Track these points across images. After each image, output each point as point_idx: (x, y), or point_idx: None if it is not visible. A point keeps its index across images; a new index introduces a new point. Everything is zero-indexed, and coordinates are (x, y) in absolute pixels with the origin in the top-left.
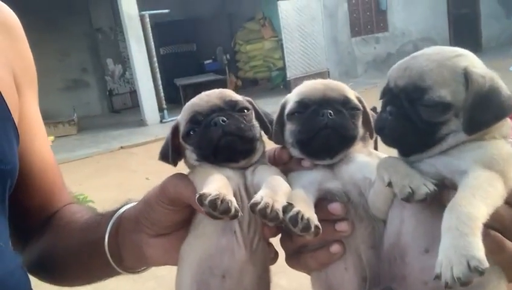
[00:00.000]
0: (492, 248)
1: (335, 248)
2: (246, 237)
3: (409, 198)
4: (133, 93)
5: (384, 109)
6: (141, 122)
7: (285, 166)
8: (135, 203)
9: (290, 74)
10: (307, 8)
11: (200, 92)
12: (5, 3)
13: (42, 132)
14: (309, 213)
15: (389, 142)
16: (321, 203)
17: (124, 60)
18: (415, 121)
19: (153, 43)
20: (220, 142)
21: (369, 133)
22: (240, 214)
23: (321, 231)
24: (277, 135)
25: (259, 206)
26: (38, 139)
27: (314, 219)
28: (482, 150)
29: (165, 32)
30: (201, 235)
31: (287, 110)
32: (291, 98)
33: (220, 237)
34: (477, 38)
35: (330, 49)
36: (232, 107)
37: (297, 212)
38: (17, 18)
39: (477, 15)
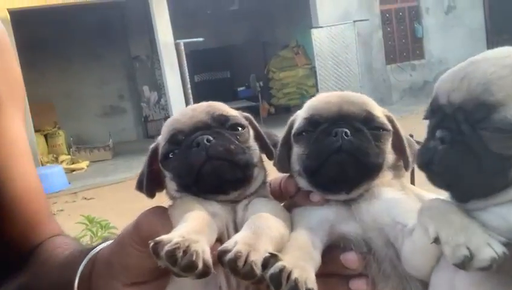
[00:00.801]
0: None
1: None
2: None
3: (465, 264)
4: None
5: (432, 135)
6: None
7: (292, 200)
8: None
9: None
10: (340, 35)
11: None
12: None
13: (27, 155)
14: (300, 271)
15: (439, 182)
16: (332, 251)
17: (159, 87)
18: (479, 152)
19: (187, 70)
20: (203, 168)
21: (404, 161)
22: (212, 271)
23: None
24: (282, 160)
25: (228, 257)
26: (22, 163)
27: (308, 280)
28: None
29: (199, 60)
30: (177, 289)
31: (294, 130)
32: (300, 115)
33: None
34: None
35: (364, 76)
36: (221, 123)
37: (281, 269)
38: (4, 30)
39: None
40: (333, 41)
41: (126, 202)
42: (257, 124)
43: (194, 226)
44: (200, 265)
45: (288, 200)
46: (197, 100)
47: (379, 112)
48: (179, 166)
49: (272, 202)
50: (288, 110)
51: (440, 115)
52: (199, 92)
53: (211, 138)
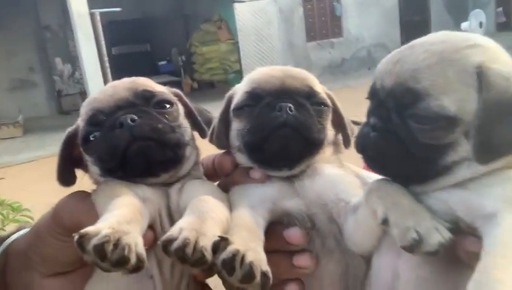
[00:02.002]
0: None
1: (291, 288)
2: (169, 283)
3: (413, 247)
4: (83, 94)
5: (367, 121)
6: None
7: (229, 178)
8: (27, 230)
9: None
10: (262, 11)
11: None
12: None
13: None
14: (254, 253)
15: (373, 166)
16: (275, 228)
17: (73, 60)
18: (407, 141)
19: (104, 42)
20: (128, 149)
21: (343, 138)
22: (145, 265)
23: (271, 280)
24: (220, 136)
25: (175, 245)
26: None
27: (262, 262)
28: None
29: (117, 32)
30: (106, 279)
31: (233, 104)
32: (240, 88)
33: (132, 283)
34: None
35: (286, 53)
36: (146, 100)
37: (235, 254)
38: None
39: (428, 22)
40: (255, 17)
41: (39, 182)
42: (188, 101)
43: (124, 215)
44: (133, 259)
45: (223, 179)
46: (114, 74)
47: (320, 87)
48: (102, 149)
49: (207, 183)
50: (212, 85)
51: (375, 100)
52: (117, 65)
53: (135, 117)
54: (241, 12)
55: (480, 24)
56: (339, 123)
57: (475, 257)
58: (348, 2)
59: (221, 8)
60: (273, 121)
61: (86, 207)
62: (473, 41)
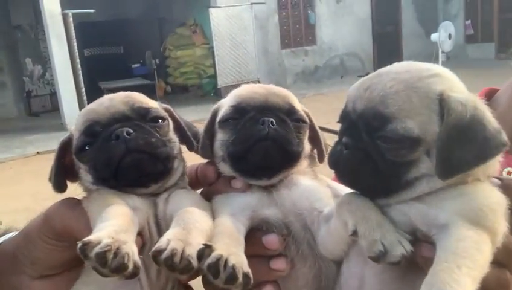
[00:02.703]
0: None
1: (268, 289)
2: (155, 285)
3: (379, 258)
4: (54, 96)
5: (339, 139)
6: (61, 127)
7: (211, 187)
8: (16, 233)
9: (221, 82)
10: (238, 17)
11: None
12: None
13: None
14: (235, 257)
15: (344, 181)
16: (254, 234)
17: (44, 60)
18: (376, 159)
19: (75, 43)
20: (122, 161)
21: (318, 153)
22: (140, 271)
23: (252, 280)
24: (205, 147)
25: (163, 255)
26: None
27: (243, 265)
28: (466, 199)
29: (89, 33)
30: (93, 282)
31: (219, 117)
32: (226, 102)
33: (119, 285)
34: (399, 55)
35: (261, 59)
36: (142, 116)
37: (218, 258)
38: None
39: (399, 33)
40: (231, 22)
41: (6, 185)
42: (177, 115)
43: (120, 225)
44: (131, 267)
45: (206, 188)
46: (86, 75)
47: (299, 105)
48: (97, 159)
49: (192, 193)
50: (186, 89)
51: (347, 121)
52: (89, 67)
53: (131, 131)
54: (217, 18)
55: (450, 36)
56: (315, 139)
57: (430, 262)
58: (322, 11)
59: (196, 12)
60: (256, 133)
61: (76, 214)
62: (434, 71)
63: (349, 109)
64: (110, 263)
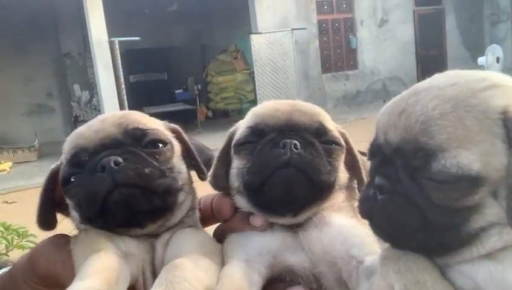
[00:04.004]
0: None
1: None
2: None
3: None
4: None
5: (371, 181)
6: None
7: (226, 224)
8: (7, 269)
9: None
10: (278, 42)
11: (169, 122)
12: None
13: None
14: None
15: (382, 237)
16: (276, 286)
17: (91, 86)
18: (422, 205)
19: (121, 70)
20: (109, 197)
21: (358, 183)
22: None
23: None
24: (218, 177)
25: None
26: None
27: None
28: None
29: (135, 60)
30: None
31: (234, 140)
32: (243, 123)
33: None
34: None
35: (301, 84)
36: (136, 139)
37: None
38: None
39: (444, 57)
40: (271, 48)
41: None
42: (187, 138)
43: (100, 281)
44: None
45: (221, 224)
46: (131, 101)
47: (332, 125)
48: (81, 194)
49: (198, 233)
50: (227, 114)
51: (379, 157)
52: (134, 93)
53: (120, 160)
54: (258, 44)
55: (498, 59)
56: (353, 165)
57: None
58: (363, 35)
59: (238, 38)
60: (275, 159)
61: (62, 257)
62: (489, 81)
63: (381, 141)
64: None
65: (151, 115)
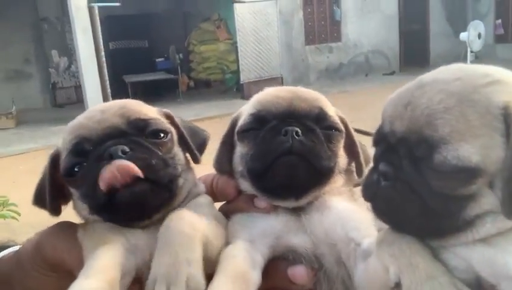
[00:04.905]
0: None
1: None
2: None
3: None
4: (79, 88)
5: (375, 167)
6: None
7: (231, 205)
8: (12, 251)
9: (244, 78)
10: (262, 12)
11: (149, 91)
12: None
13: None
14: None
15: (384, 220)
16: (278, 264)
17: (70, 53)
18: (422, 191)
19: (101, 36)
20: (118, 192)
21: (356, 166)
22: None
23: None
24: (221, 161)
25: None
26: None
27: None
28: None
29: (115, 27)
30: None
31: (238, 127)
32: (246, 110)
33: None
34: (426, 54)
35: (284, 55)
36: (140, 129)
37: None
38: None
39: (427, 32)
40: (255, 18)
41: (30, 174)
42: (180, 123)
43: (103, 285)
44: None
45: (225, 205)
46: (111, 69)
47: (331, 110)
48: (87, 185)
49: (204, 207)
50: (209, 84)
51: (384, 145)
52: (114, 60)
53: (127, 149)
54: (241, 13)
55: (479, 35)
56: (352, 150)
57: None
58: (347, 7)
59: (221, 7)
60: (277, 146)
61: (69, 245)
62: (493, 77)
63: (387, 130)
64: None
65: (132, 83)
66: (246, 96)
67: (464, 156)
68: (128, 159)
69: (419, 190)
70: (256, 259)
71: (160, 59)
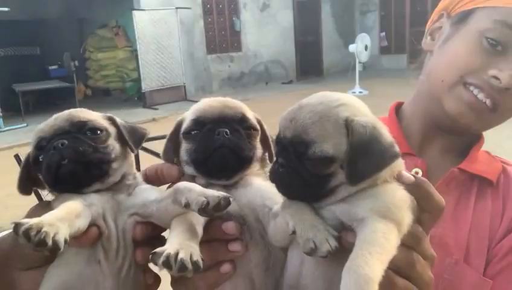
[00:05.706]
0: (384, 285)
1: (225, 267)
2: (113, 266)
3: (311, 253)
4: None
5: (276, 160)
6: None
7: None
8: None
9: (146, 86)
10: (163, 21)
11: (43, 100)
12: None
13: None
14: (185, 250)
15: (282, 193)
16: (215, 222)
17: None
18: (303, 174)
19: None
20: (59, 168)
21: (268, 154)
22: (61, 248)
23: (201, 265)
24: (167, 153)
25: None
26: None
27: (193, 255)
28: (376, 199)
29: (4, 33)
30: (63, 265)
31: (183, 129)
32: (188, 116)
33: (84, 266)
34: (320, 64)
35: (187, 64)
36: (79, 129)
37: (168, 256)
38: None
39: (320, 43)
40: (156, 26)
41: None
42: (120, 123)
43: (56, 214)
44: (50, 243)
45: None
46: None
47: (251, 114)
48: (43, 169)
49: (154, 188)
50: (108, 93)
51: (280, 145)
52: (3, 68)
53: (65, 142)
54: (141, 21)
55: (366, 47)
56: (265, 143)
57: (353, 246)
58: (246, 18)
59: (118, 14)
60: (213, 143)
61: None
62: (341, 101)
63: (282, 136)
64: (33, 238)
65: (23, 92)
66: (148, 105)
67: (325, 150)
68: (64, 148)
69: (301, 173)
70: (199, 219)
71: (53, 67)
